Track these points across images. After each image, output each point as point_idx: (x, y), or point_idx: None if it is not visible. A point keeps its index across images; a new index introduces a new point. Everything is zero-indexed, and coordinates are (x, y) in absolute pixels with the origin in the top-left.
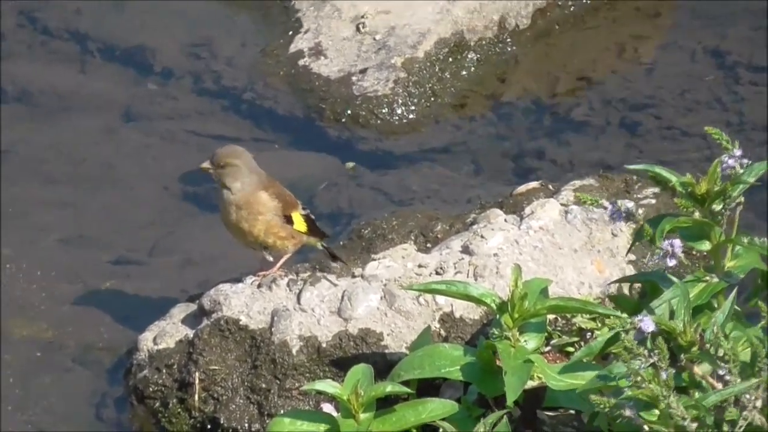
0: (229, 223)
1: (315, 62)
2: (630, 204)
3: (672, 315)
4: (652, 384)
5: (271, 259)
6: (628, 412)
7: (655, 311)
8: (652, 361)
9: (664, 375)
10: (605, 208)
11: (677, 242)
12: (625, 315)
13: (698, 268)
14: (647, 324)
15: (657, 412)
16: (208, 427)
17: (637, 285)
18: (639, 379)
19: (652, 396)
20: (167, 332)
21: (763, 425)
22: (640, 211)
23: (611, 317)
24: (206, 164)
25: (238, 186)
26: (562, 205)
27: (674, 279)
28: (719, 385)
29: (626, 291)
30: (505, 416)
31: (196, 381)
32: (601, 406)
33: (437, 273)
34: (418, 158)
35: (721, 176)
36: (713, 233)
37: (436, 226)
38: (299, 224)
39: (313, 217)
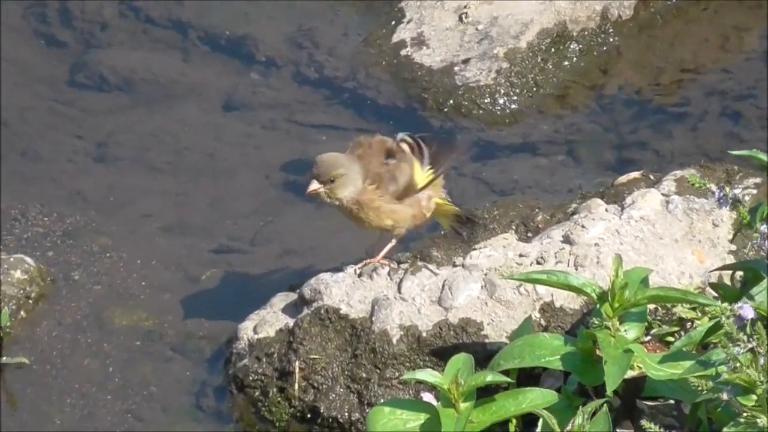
0: (348, 217)
1: (417, 52)
2: (737, 190)
3: None
4: (750, 369)
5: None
6: (725, 396)
7: (755, 298)
8: (750, 346)
9: (762, 360)
10: (713, 192)
11: None
12: (725, 304)
13: None
14: (747, 311)
15: (754, 397)
16: (308, 416)
17: (739, 275)
18: (738, 365)
19: (749, 380)
20: (267, 321)
21: None
22: (747, 198)
23: (711, 306)
24: (314, 186)
25: (351, 189)
26: (663, 195)
27: None
28: None
29: (727, 281)
30: (605, 406)
31: (296, 370)
32: (700, 388)
33: (538, 262)
34: (520, 148)
35: None
36: None
37: (537, 216)
38: (420, 179)
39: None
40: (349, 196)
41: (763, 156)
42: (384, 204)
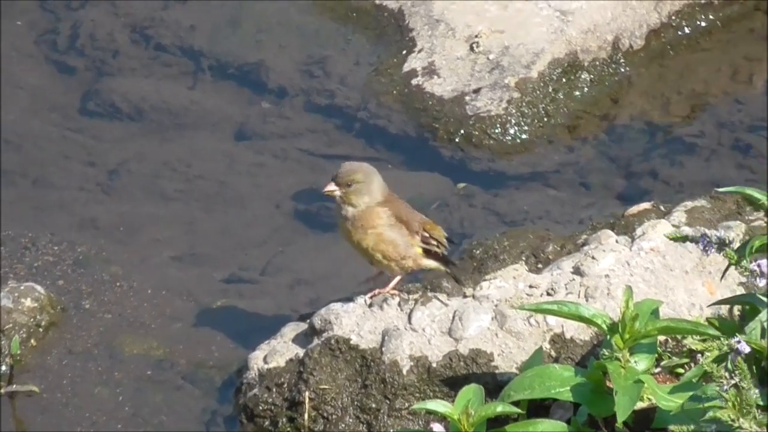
0: (345, 237)
1: (428, 81)
2: (721, 232)
3: (764, 334)
4: (729, 406)
5: (389, 273)
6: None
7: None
8: (733, 382)
9: (750, 394)
10: (696, 241)
11: (764, 262)
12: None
13: None
14: (744, 346)
15: None
16: None
17: (738, 308)
18: (724, 402)
19: (728, 418)
20: (278, 351)
21: None
22: (741, 233)
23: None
24: (331, 187)
25: (366, 200)
26: (673, 226)
27: (765, 300)
28: None
29: (729, 313)
30: None
31: (306, 400)
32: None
33: (548, 294)
34: (531, 179)
35: None
36: None
37: (548, 247)
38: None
39: (437, 250)
40: (365, 204)
41: (749, 191)
42: (386, 231)
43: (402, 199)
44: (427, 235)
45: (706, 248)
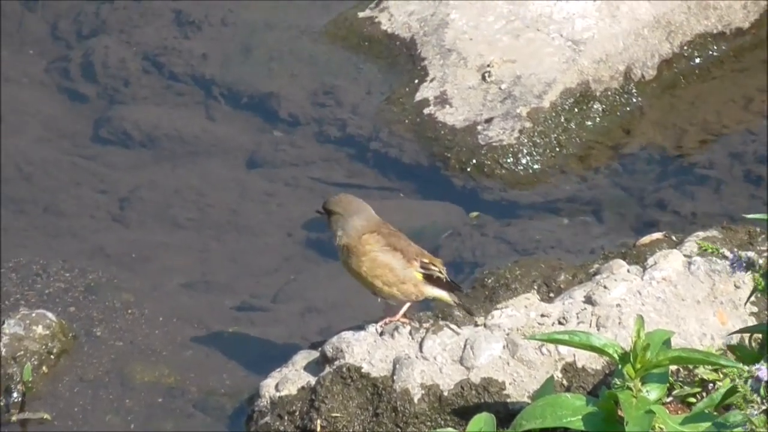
0: (345, 267)
1: (440, 111)
2: (751, 254)
3: None
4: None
5: (394, 303)
6: None
7: None
8: (765, 407)
9: None
10: (726, 257)
11: None
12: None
13: None
14: (764, 373)
15: None
16: None
17: (758, 336)
18: (753, 427)
19: None
20: (289, 379)
21: None
22: (761, 261)
23: (729, 367)
24: (320, 209)
25: (340, 233)
26: (685, 256)
27: None
28: None
29: (748, 342)
30: None
31: (318, 428)
32: None
33: (560, 323)
34: (542, 208)
35: None
36: None
37: (559, 276)
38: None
39: (439, 275)
40: (341, 237)
41: None
42: (379, 255)
43: (400, 232)
44: (426, 261)
45: (734, 265)
